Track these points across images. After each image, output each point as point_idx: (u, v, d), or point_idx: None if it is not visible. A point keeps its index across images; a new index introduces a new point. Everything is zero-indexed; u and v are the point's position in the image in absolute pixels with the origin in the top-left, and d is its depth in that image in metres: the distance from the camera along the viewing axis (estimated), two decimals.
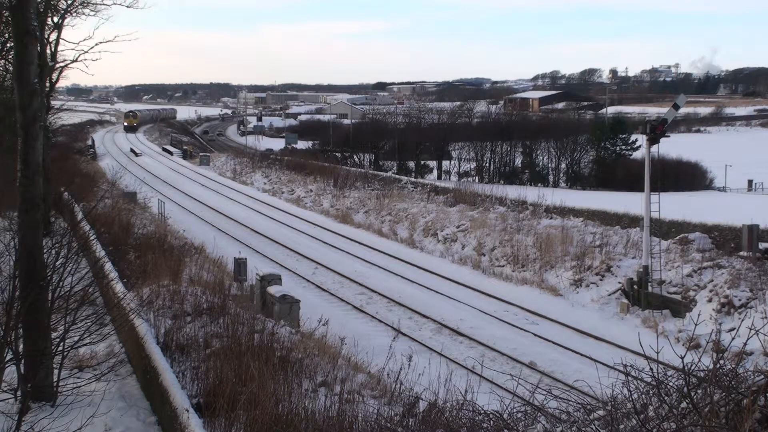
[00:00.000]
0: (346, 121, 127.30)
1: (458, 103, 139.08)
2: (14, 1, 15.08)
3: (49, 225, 30.48)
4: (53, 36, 33.51)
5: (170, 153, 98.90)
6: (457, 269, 34.28)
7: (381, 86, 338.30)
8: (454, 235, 39.21)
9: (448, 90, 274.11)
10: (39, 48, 19.37)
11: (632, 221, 35.29)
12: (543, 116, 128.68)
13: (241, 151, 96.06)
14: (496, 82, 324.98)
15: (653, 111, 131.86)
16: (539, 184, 72.75)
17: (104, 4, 33.82)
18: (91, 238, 23.78)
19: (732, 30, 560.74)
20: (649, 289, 27.44)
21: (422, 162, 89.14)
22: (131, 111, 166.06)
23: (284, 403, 12.75)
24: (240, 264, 27.69)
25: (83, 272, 17.28)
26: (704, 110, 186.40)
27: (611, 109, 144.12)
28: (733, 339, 8.12)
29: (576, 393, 9.23)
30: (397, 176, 66.67)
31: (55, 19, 33.26)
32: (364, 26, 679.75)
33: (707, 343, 18.98)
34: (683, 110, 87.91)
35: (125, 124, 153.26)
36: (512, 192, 45.78)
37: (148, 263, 24.29)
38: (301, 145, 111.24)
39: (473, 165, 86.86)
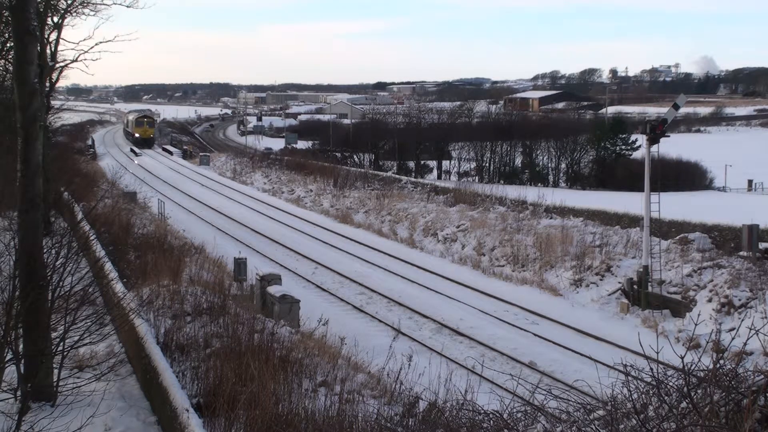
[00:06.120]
0: (346, 121, 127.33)
1: (458, 103, 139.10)
2: (14, 1, 15.08)
3: (49, 225, 30.45)
4: (53, 36, 33.52)
5: (170, 153, 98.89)
6: (457, 269, 34.27)
7: (381, 86, 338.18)
8: (454, 235, 39.20)
9: (448, 90, 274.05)
10: (39, 48, 19.37)
11: (632, 221, 35.30)
12: (543, 116, 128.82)
13: (241, 151, 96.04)
14: (496, 82, 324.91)
15: (653, 111, 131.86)
16: (539, 184, 72.77)
17: (104, 4, 33.77)
18: (91, 238, 23.78)
19: (732, 30, 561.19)
20: (649, 289, 27.44)
21: (422, 162, 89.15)
22: (145, 115, 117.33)
23: (284, 403, 12.76)
24: (240, 264, 27.68)
25: (83, 272, 17.26)
26: (704, 110, 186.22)
27: (611, 109, 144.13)
28: (733, 339, 8.13)
29: (576, 393, 9.23)
30: (397, 176, 66.66)
31: (55, 19, 33.26)
32: (364, 26, 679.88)
33: (707, 343, 18.99)
34: (683, 110, 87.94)
35: (136, 135, 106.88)
36: (512, 192, 45.80)
37: (148, 263, 24.31)
38: (301, 145, 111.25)
39: (473, 165, 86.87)
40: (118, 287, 19.53)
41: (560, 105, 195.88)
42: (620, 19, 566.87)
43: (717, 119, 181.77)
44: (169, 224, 39.41)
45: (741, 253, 28.73)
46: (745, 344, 8.68)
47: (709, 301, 25.30)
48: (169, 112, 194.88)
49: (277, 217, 48.99)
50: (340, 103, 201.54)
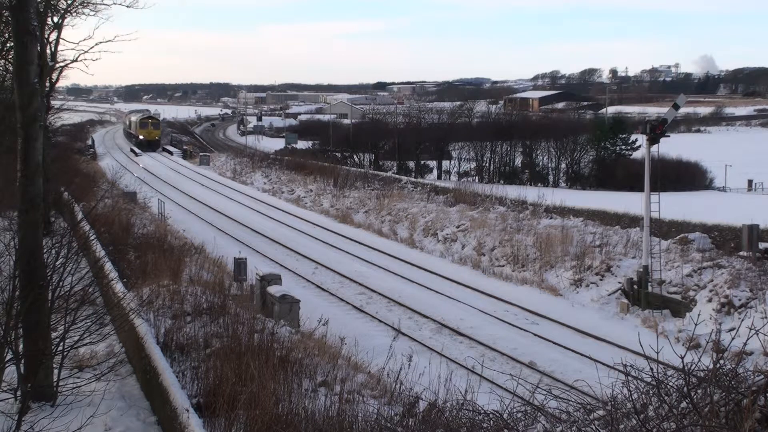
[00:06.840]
0: (346, 121, 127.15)
1: (458, 103, 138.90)
2: (14, 1, 15.08)
3: (49, 225, 30.47)
4: (53, 36, 33.46)
5: (170, 153, 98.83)
6: (457, 269, 34.27)
7: (381, 86, 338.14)
8: (454, 235, 39.20)
9: (448, 90, 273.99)
10: (39, 48, 19.37)
11: (632, 221, 35.31)
12: (543, 116, 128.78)
13: (241, 151, 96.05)
14: (496, 82, 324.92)
15: (653, 111, 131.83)
16: (539, 184, 72.71)
17: (104, 4, 33.73)
18: (91, 238, 23.79)
19: (732, 30, 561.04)
20: (649, 289, 27.44)
21: (422, 162, 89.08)
22: (149, 116, 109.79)
23: (284, 403, 12.76)
24: (240, 264, 27.68)
25: (83, 272, 17.27)
26: (704, 110, 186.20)
27: (611, 109, 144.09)
28: (733, 339, 8.12)
29: (576, 393, 9.23)
30: (397, 176, 66.64)
31: (55, 19, 33.21)
32: (364, 26, 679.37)
33: (707, 343, 18.97)
34: (683, 110, 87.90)
35: (140, 137, 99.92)
36: (512, 192, 45.81)
37: (148, 263, 24.31)
38: (301, 145, 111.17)
39: (473, 165, 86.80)
40: (118, 287, 19.53)
41: (560, 105, 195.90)
42: (620, 19, 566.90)
43: (717, 119, 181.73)
44: (169, 224, 39.41)
45: (741, 253, 28.74)
46: (745, 344, 8.67)
47: (709, 301, 25.30)
48: (169, 112, 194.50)
49: (277, 217, 48.99)
50: (340, 103, 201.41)
